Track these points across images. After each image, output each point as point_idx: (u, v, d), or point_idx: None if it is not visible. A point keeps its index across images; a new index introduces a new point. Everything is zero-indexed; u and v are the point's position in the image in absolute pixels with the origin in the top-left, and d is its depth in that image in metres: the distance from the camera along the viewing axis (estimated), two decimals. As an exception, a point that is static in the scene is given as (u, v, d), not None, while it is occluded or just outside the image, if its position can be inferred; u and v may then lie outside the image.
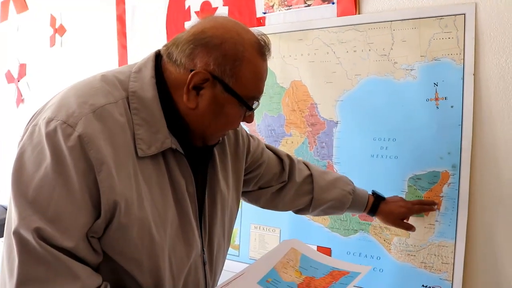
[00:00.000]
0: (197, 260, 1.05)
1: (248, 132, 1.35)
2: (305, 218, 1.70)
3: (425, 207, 1.46)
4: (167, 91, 0.97)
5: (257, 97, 1.00)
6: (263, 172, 1.34)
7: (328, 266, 1.07)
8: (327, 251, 1.66)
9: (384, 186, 1.51)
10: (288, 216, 1.71)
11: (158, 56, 1.01)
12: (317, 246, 1.67)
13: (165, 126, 0.95)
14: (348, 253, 1.62)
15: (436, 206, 1.46)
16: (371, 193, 1.45)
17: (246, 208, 1.81)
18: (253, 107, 1.01)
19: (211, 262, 1.11)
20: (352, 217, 1.62)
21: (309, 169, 1.41)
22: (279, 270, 1.04)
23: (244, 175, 1.28)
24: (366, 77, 1.58)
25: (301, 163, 1.43)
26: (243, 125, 1.30)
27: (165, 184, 0.96)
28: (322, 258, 1.10)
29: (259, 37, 0.99)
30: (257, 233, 1.82)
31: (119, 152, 0.89)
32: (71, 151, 0.85)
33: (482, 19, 1.39)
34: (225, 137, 1.19)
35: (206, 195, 1.08)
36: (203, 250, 1.07)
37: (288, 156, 1.40)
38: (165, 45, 1.00)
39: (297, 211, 1.44)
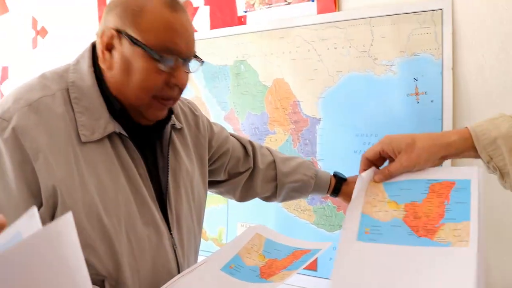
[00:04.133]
0: (166, 243, 1.04)
1: (220, 126, 1.36)
2: (291, 215, 1.71)
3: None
4: (101, 74, 1.00)
5: (170, 49, 0.96)
6: (229, 159, 1.34)
7: (291, 247, 1.04)
8: None
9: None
10: (274, 213, 1.73)
11: (95, 46, 1.04)
12: None
13: (106, 112, 0.98)
14: (334, 248, 1.59)
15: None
16: (333, 175, 1.43)
17: (233, 207, 1.83)
18: (167, 59, 0.96)
19: (182, 245, 1.10)
20: (337, 213, 1.63)
21: (272, 155, 1.41)
22: (242, 255, 1.03)
23: (213, 163, 1.29)
24: (347, 73, 1.59)
25: (264, 148, 1.43)
26: (225, 124, 1.29)
27: (114, 168, 0.98)
28: (286, 241, 1.07)
29: None
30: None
31: (56, 140, 0.92)
32: (5, 143, 0.89)
33: (459, 14, 1.41)
34: (185, 125, 1.19)
35: (169, 178, 1.09)
36: (171, 233, 1.07)
37: (250, 142, 1.41)
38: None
39: (265, 199, 1.43)
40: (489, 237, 1.33)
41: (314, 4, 1.65)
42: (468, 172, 0.92)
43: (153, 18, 0.95)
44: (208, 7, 1.90)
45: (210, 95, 1.90)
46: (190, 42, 1.01)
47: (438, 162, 0.96)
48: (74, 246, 0.57)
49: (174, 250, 1.07)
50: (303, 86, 1.68)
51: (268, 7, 1.75)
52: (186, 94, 1.87)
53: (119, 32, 0.96)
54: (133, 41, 0.95)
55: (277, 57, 1.73)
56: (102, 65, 0.99)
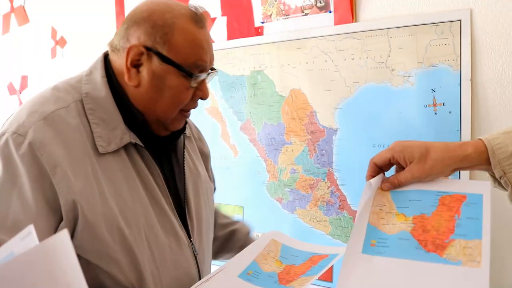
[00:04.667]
0: (186, 251, 1.04)
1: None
2: (307, 225, 1.70)
3: None
4: (119, 86, 1.00)
5: (199, 65, 0.99)
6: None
7: (308, 252, 1.03)
8: None
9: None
10: (290, 224, 1.72)
11: (107, 56, 1.04)
12: None
13: (122, 122, 0.98)
14: None
15: None
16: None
17: (248, 217, 1.83)
18: (198, 76, 0.99)
19: (202, 251, 1.10)
20: (353, 223, 1.59)
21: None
22: (259, 262, 1.01)
23: None
24: (364, 84, 1.58)
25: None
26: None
27: (131, 178, 0.97)
28: (303, 246, 1.05)
29: (191, 7, 1.00)
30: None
31: (74, 153, 0.91)
32: (22, 158, 0.87)
33: (478, 25, 1.40)
34: (192, 133, 1.20)
35: (188, 186, 1.09)
36: (191, 240, 1.06)
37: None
38: (110, 41, 1.03)
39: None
40: (507, 239, 1.35)
41: (331, 15, 1.65)
42: (481, 186, 0.88)
43: (183, 36, 0.96)
44: (225, 18, 1.91)
45: (226, 105, 1.91)
46: (212, 56, 1.03)
47: (450, 173, 0.94)
48: (71, 261, 0.56)
49: (195, 257, 1.06)
50: (320, 97, 1.68)
51: (285, 18, 1.76)
52: (204, 104, 1.93)
53: (148, 49, 0.96)
54: (164, 59, 0.95)
55: (294, 67, 1.73)
56: (130, 82, 0.98)
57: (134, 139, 0.98)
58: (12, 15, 2.83)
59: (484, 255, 0.80)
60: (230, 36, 1.90)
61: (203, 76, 1.00)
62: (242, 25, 1.86)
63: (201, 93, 1.01)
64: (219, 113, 1.92)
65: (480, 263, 0.80)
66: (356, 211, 1.40)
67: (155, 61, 0.96)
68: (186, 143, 1.13)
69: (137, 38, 0.96)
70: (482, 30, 1.40)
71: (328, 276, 1.65)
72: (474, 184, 0.91)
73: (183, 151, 1.11)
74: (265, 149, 1.80)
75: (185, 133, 1.13)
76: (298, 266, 0.99)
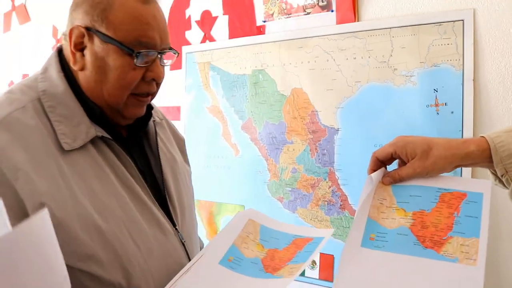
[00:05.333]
0: (173, 240, 1.01)
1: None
2: (308, 225, 1.69)
3: None
4: (74, 79, 0.96)
5: (143, 42, 0.93)
6: None
7: (289, 234, 0.97)
8: (330, 258, 1.65)
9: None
10: (288, 220, 1.66)
11: (61, 51, 1.00)
12: (320, 253, 1.65)
13: (85, 116, 0.94)
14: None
15: None
16: None
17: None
18: (141, 53, 0.93)
19: (189, 238, 1.07)
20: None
21: None
22: (239, 246, 0.96)
23: None
24: (366, 84, 1.58)
25: None
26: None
27: (103, 173, 0.93)
28: (283, 227, 1.00)
29: None
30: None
31: (35, 154, 0.87)
32: None
33: (481, 25, 1.40)
34: (165, 122, 1.17)
35: (166, 174, 1.05)
36: (176, 229, 1.03)
37: None
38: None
39: None
40: (508, 237, 1.36)
41: (333, 14, 1.65)
42: (481, 185, 0.89)
43: (123, 12, 0.91)
44: (227, 17, 1.91)
45: (227, 104, 1.91)
46: (164, 34, 0.97)
47: (451, 170, 0.94)
48: (51, 241, 0.55)
49: (183, 244, 1.03)
50: (322, 96, 1.67)
51: (287, 17, 1.75)
52: (205, 103, 1.95)
53: (88, 30, 0.92)
54: (105, 37, 0.91)
55: (296, 66, 1.72)
56: (74, 66, 0.94)
57: (100, 132, 0.94)
58: (14, 13, 2.83)
59: (480, 254, 0.81)
60: (232, 35, 1.90)
61: (151, 54, 0.94)
62: (244, 24, 1.86)
63: (152, 74, 0.95)
64: (220, 112, 1.92)
65: (476, 261, 0.81)
66: (357, 211, 1.47)
67: (96, 41, 0.91)
68: (157, 130, 1.10)
69: (78, 20, 0.93)
70: (485, 30, 1.39)
71: (329, 276, 1.64)
72: (474, 183, 0.92)
73: (156, 138, 1.07)
74: (266, 148, 1.80)
75: (154, 120, 1.09)
76: (281, 250, 0.94)
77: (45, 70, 0.98)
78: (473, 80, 1.40)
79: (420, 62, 1.48)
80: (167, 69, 1.04)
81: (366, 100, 1.58)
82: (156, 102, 1.13)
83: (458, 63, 1.41)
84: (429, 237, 0.86)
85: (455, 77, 1.42)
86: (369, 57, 1.57)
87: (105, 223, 0.89)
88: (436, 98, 1.46)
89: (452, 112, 1.43)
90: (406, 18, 1.50)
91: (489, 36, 1.39)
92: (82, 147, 0.92)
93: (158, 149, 1.06)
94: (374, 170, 0.97)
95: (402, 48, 1.51)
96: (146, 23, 0.92)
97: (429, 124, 1.46)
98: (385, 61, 1.54)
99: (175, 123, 1.30)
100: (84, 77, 0.95)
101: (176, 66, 2.03)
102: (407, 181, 0.93)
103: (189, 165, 1.22)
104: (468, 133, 1.40)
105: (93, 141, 0.94)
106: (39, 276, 0.53)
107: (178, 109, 2.07)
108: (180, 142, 1.22)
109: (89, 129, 0.92)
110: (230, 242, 0.96)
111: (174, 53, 1.01)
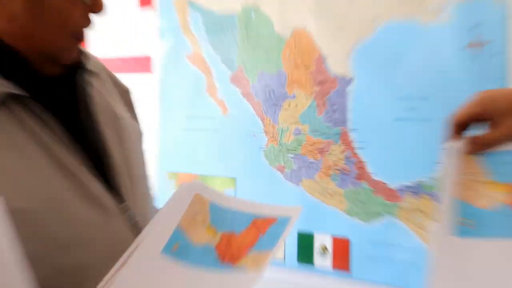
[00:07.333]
0: (117, 222, 0.91)
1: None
2: (316, 200, 1.58)
3: None
4: None
5: None
6: None
7: (247, 214, 0.87)
8: (345, 242, 1.53)
9: (413, 157, 1.40)
10: (293, 197, 1.61)
11: None
12: (332, 236, 1.55)
13: None
14: (372, 243, 1.49)
15: None
16: None
17: (241, 191, 1.73)
18: None
19: (145, 218, 0.97)
20: (374, 197, 1.47)
21: None
22: (186, 229, 0.83)
23: None
24: (386, 20, 1.46)
25: None
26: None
27: (21, 142, 0.84)
28: (238, 204, 0.89)
29: None
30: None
31: None
32: None
33: None
34: (104, 72, 1.09)
35: (106, 135, 0.97)
36: (125, 207, 0.92)
37: None
38: None
39: None
40: None
41: None
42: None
43: None
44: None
45: (212, 52, 1.77)
46: None
47: None
48: (3, 229, 0.57)
49: (135, 225, 0.93)
50: (330, 38, 1.54)
51: None
52: (184, 50, 1.82)
53: None
54: None
55: (296, 1, 1.59)
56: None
57: (14, 90, 0.84)
58: None
59: None
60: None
61: None
62: None
63: (92, 6, 0.89)
64: (204, 62, 1.78)
65: None
66: (378, 180, 1.42)
67: None
68: (93, 81, 1.01)
69: None
70: None
71: (345, 265, 1.53)
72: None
73: (87, 90, 0.98)
74: (261, 105, 1.68)
75: (84, 67, 1.00)
76: (239, 235, 0.85)
77: None
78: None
79: (455, -9, 1.37)
80: (135, 7, 0.93)
81: (387, 41, 1.46)
82: (120, 52, 1.00)
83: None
84: None
85: (496, 12, 1.32)
86: (390, -15, 1.45)
87: (24, 206, 0.80)
88: (474, 37, 1.34)
89: (494, 54, 1.33)
90: None
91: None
92: None
93: (90, 103, 0.97)
94: (454, 138, 0.88)
95: (433, -26, 1.40)
96: None
97: (467, 69, 1.36)
98: (410, -10, 1.43)
99: (144, 76, 1.17)
100: (16, 32, 0.86)
101: (146, 2, 1.90)
102: (498, 147, 0.86)
103: (138, 123, 1.15)
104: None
105: (4, 103, 0.83)
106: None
107: (148, 59, 1.96)
108: (125, 94, 1.13)
109: None
110: (174, 224, 0.82)
111: None
